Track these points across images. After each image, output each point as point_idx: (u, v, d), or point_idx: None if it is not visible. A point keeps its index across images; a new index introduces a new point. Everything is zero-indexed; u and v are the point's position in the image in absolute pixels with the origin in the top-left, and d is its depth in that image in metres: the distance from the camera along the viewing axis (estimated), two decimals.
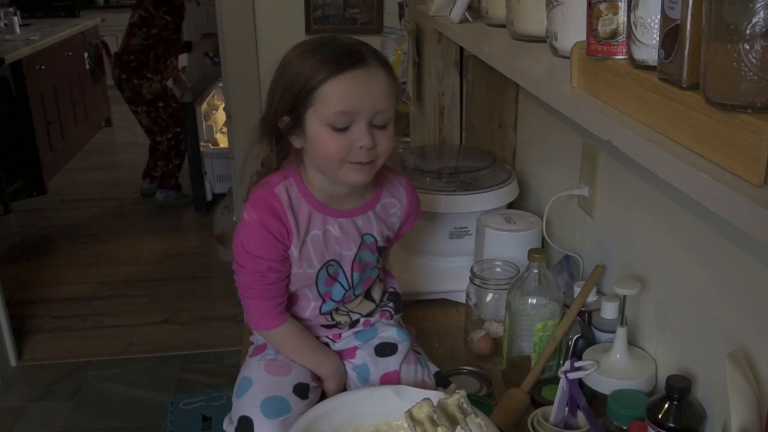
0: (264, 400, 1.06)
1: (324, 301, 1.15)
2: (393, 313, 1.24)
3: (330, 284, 1.14)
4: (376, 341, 1.19)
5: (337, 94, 0.98)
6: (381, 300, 1.24)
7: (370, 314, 1.22)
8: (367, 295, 1.21)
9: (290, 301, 1.15)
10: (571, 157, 1.39)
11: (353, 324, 1.20)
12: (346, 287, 1.15)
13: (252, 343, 1.22)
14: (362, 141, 0.99)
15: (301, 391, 1.10)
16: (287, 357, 1.15)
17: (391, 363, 1.16)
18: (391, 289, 1.27)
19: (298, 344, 1.15)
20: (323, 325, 1.19)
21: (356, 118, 0.99)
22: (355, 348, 1.20)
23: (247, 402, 1.07)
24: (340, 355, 1.21)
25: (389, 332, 1.20)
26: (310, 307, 1.16)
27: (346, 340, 1.21)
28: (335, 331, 1.20)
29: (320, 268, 1.11)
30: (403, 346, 1.18)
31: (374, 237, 1.15)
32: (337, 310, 1.18)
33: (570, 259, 1.37)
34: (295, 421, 1.00)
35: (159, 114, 4.43)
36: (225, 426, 1.11)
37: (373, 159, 1.03)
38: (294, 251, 1.08)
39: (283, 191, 1.07)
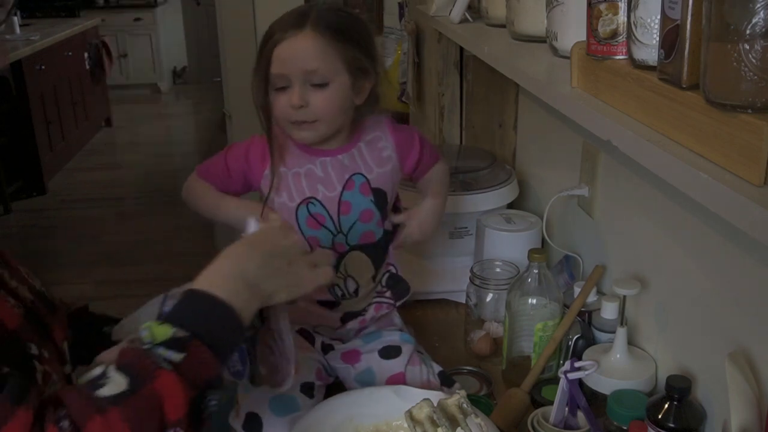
0: (273, 398, 1.07)
1: (312, 249, 1.13)
2: (393, 302, 1.23)
3: (314, 227, 1.13)
4: (379, 345, 1.20)
5: (275, 58, 1.06)
6: (379, 271, 1.21)
7: (370, 291, 1.19)
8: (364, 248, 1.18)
9: None
10: (571, 157, 1.39)
11: (353, 294, 1.18)
12: (334, 231, 1.14)
13: None
14: (291, 100, 1.06)
15: (308, 390, 1.11)
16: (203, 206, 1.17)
17: (396, 365, 1.16)
18: (391, 269, 1.24)
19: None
20: (322, 304, 1.17)
21: (290, 79, 1.06)
22: (359, 352, 1.20)
23: (256, 399, 1.07)
24: (344, 358, 1.20)
25: (393, 336, 1.21)
26: None
27: (350, 342, 1.21)
28: (335, 313, 1.18)
29: (300, 203, 1.12)
30: (407, 348, 1.19)
31: (365, 176, 1.15)
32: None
33: (570, 259, 1.37)
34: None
35: None
36: (230, 419, 1.11)
37: (310, 120, 1.08)
38: (277, 173, 1.13)
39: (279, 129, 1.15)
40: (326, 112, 1.08)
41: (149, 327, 0.74)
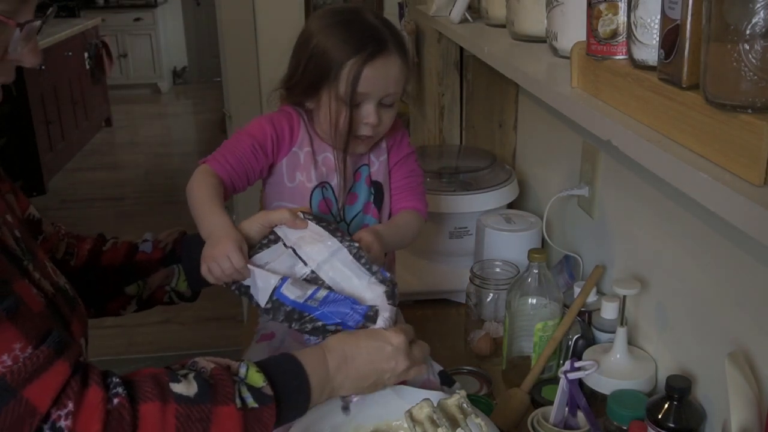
0: None
1: None
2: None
3: (324, 211, 1.16)
4: None
5: (363, 77, 1.05)
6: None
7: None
8: None
9: None
10: (571, 157, 1.39)
11: None
12: (337, 219, 1.17)
13: (259, 330, 1.22)
14: (369, 119, 1.09)
15: None
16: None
17: None
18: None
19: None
20: None
21: (368, 98, 1.07)
22: None
23: None
24: None
25: None
26: None
27: None
28: None
29: (316, 186, 1.14)
30: None
31: (369, 168, 1.18)
32: None
33: (570, 259, 1.37)
34: None
35: None
36: None
37: (373, 134, 1.12)
38: (299, 153, 1.13)
39: (301, 113, 1.16)
40: (387, 128, 1.13)
41: (248, 366, 0.85)
